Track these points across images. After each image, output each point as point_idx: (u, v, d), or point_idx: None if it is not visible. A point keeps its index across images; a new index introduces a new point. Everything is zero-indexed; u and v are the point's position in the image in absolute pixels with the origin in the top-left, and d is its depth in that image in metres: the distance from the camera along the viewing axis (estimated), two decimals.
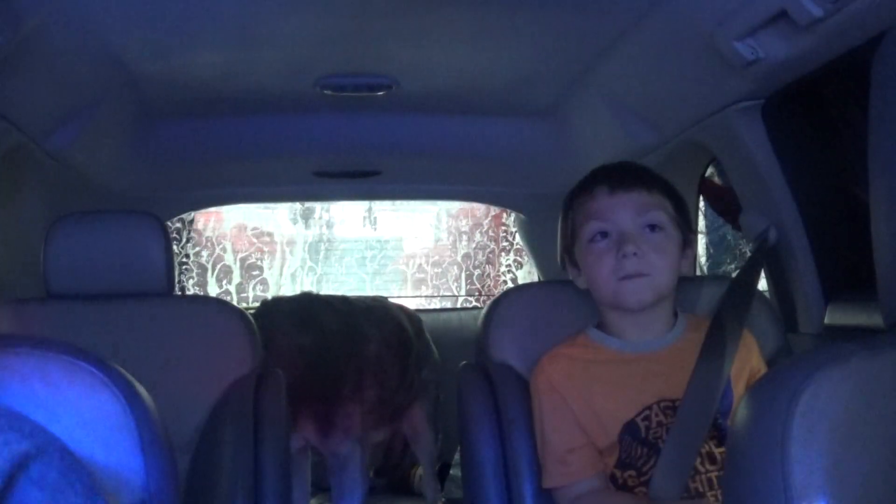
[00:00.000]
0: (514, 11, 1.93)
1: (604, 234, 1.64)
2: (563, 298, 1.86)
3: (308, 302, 3.00)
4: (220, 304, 2.14)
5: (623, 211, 1.63)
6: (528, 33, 2.05)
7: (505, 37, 2.08)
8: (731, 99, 2.05)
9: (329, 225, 7.82)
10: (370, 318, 3.05)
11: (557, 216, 1.93)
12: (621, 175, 1.69)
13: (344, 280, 7.67)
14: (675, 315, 1.70)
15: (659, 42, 1.99)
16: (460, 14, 1.95)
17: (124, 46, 2.06)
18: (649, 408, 1.59)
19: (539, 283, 3.48)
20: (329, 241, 7.86)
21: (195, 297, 3.87)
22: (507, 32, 2.05)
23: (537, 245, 3.62)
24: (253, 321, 2.12)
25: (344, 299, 3.14)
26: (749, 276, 1.85)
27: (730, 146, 2.18)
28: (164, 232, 2.06)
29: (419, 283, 7.77)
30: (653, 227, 1.63)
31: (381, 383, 2.98)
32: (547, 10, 1.92)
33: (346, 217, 7.81)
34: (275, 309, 2.89)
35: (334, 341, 2.87)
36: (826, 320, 2.09)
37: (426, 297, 7.49)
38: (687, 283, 1.76)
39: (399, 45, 2.15)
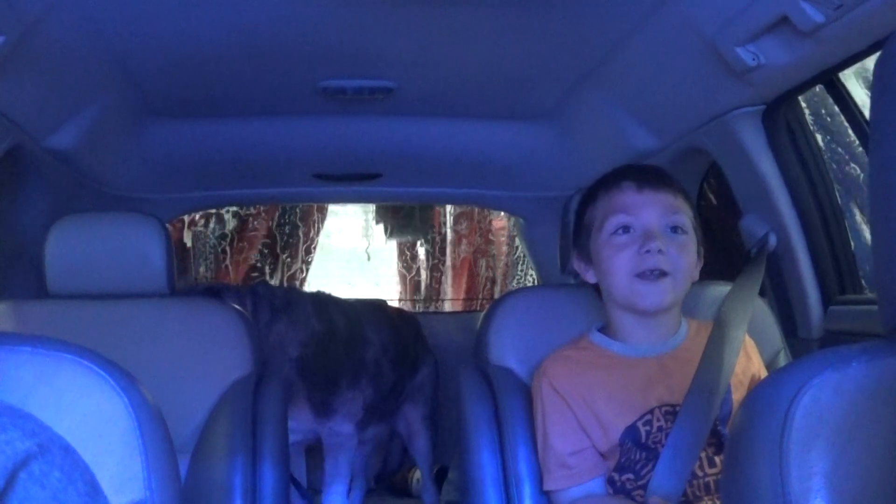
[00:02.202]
0: (516, 16, 1.93)
1: (626, 229, 1.61)
2: (563, 302, 1.87)
3: (324, 296, 3.09)
4: (220, 306, 2.14)
5: (650, 209, 1.62)
6: (530, 38, 2.06)
7: (506, 41, 2.08)
8: (732, 104, 2.05)
9: (327, 235, 7.83)
10: (370, 323, 3.07)
11: (558, 220, 1.93)
12: (649, 175, 1.68)
13: (341, 284, 7.66)
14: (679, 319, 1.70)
15: (661, 47, 2.00)
16: (461, 18, 1.96)
17: (125, 46, 2.06)
18: (651, 412, 1.59)
19: (538, 286, 3.48)
20: (327, 245, 7.86)
21: (195, 298, 3.85)
22: (509, 36, 2.05)
23: (537, 249, 3.62)
24: (248, 316, 2.14)
25: (347, 302, 3.17)
26: (750, 282, 1.85)
27: (730, 151, 2.18)
28: (165, 233, 2.06)
29: (418, 286, 7.75)
30: (675, 229, 1.62)
31: (376, 387, 3.00)
32: (548, 14, 1.92)
33: (343, 227, 7.83)
34: (298, 291, 3.05)
35: (339, 338, 2.91)
36: (825, 325, 2.09)
37: (424, 300, 7.48)
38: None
39: (400, 49, 2.15)
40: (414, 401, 3.25)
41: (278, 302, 2.86)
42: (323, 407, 2.83)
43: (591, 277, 1.70)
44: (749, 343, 1.72)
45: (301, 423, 2.84)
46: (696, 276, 1.69)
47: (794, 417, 0.83)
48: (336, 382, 2.86)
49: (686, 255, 1.61)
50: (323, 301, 3.02)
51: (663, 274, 1.58)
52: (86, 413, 0.99)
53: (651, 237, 1.58)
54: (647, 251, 1.57)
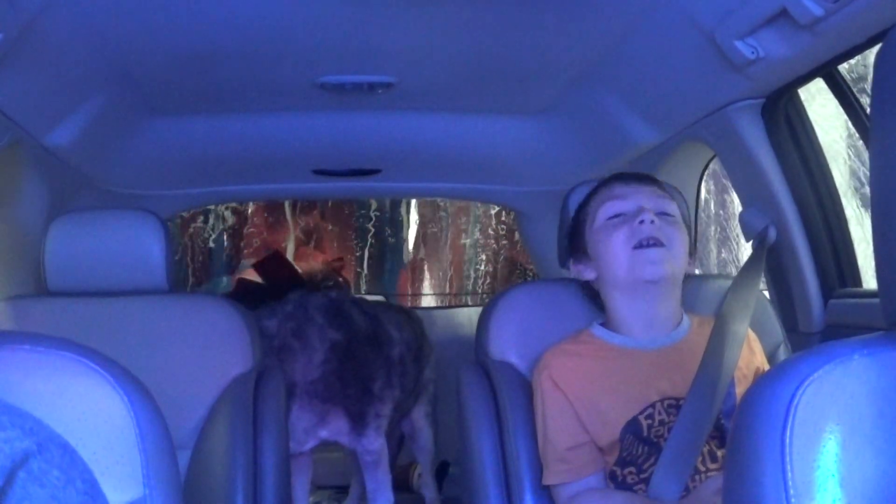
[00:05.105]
0: (516, 10, 1.92)
1: (620, 214, 1.68)
2: (563, 297, 1.87)
3: (339, 298, 3.02)
4: (219, 302, 2.14)
5: (641, 195, 1.69)
6: (529, 32, 2.05)
7: (506, 35, 2.08)
8: (731, 97, 2.05)
9: None
10: (391, 320, 3.06)
11: (558, 214, 1.93)
12: (635, 174, 1.77)
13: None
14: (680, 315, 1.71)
15: (660, 40, 1.99)
16: (461, 12, 1.95)
17: (123, 43, 2.06)
18: (652, 406, 1.59)
19: (538, 281, 3.48)
20: None
21: (195, 294, 3.86)
22: (509, 31, 2.05)
23: (537, 243, 3.62)
24: (253, 317, 2.13)
25: (366, 301, 3.15)
26: (751, 275, 1.86)
27: (730, 144, 2.18)
28: (164, 230, 2.06)
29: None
30: (665, 215, 1.67)
31: (402, 385, 3.00)
32: (547, 9, 1.91)
33: None
34: (307, 303, 2.89)
35: (363, 340, 2.89)
36: (825, 319, 2.09)
37: (423, 295, 7.48)
38: (688, 281, 1.77)
39: (400, 43, 2.15)
40: (419, 398, 3.25)
41: (280, 340, 2.75)
42: (360, 417, 2.82)
43: (590, 273, 1.72)
44: (752, 337, 1.72)
45: (336, 434, 2.83)
46: (692, 269, 1.71)
47: (796, 412, 0.83)
48: (369, 389, 2.84)
49: (679, 235, 1.66)
50: (336, 303, 2.96)
51: (660, 244, 1.61)
52: (84, 411, 0.99)
53: (644, 211, 1.64)
54: (641, 222, 1.62)
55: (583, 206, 1.78)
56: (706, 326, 1.67)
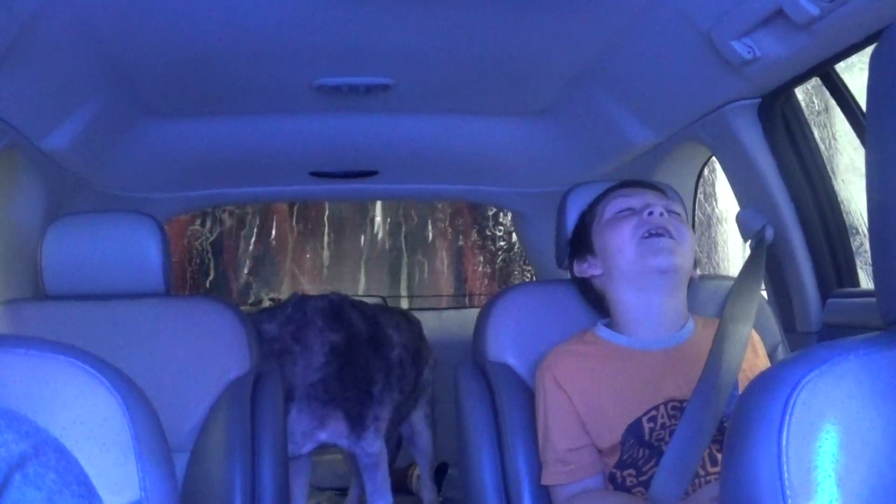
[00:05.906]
0: (512, 12, 1.92)
1: (629, 209, 1.70)
2: (560, 297, 1.86)
3: (338, 300, 3.01)
4: (217, 305, 2.14)
5: (647, 195, 1.71)
6: (527, 33, 2.05)
7: (503, 36, 2.08)
8: (728, 97, 2.05)
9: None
10: (390, 322, 3.05)
11: (555, 215, 1.94)
12: (638, 181, 1.81)
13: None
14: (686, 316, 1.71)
15: (657, 41, 1.99)
16: (458, 14, 1.95)
17: (119, 46, 2.06)
18: (656, 408, 1.58)
19: (536, 282, 3.48)
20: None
21: (193, 297, 3.85)
22: (506, 32, 2.05)
23: (535, 244, 3.62)
24: (250, 320, 2.13)
25: (364, 303, 3.14)
26: (752, 276, 1.85)
27: (727, 144, 2.18)
28: (162, 233, 2.06)
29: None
30: (672, 213, 1.69)
31: (401, 387, 2.99)
32: (544, 10, 1.91)
33: None
34: (306, 304, 2.88)
35: (362, 342, 2.88)
36: (823, 318, 2.09)
37: (420, 296, 7.47)
38: (689, 282, 1.77)
39: (396, 45, 2.15)
40: (418, 400, 3.25)
41: (280, 343, 2.74)
42: (359, 420, 2.81)
43: (596, 269, 1.72)
44: (756, 339, 1.72)
45: (335, 437, 2.82)
46: (696, 275, 1.72)
47: (793, 412, 0.83)
48: (368, 391, 2.83)
49: (687, 233, 1.68)
50: (336, 305, 2.95)
51: (669, 234, 1.63)
52: (80, 414, 0.99)
53: (652, 205, 1.66)
54: (650, 213, 1.64)
55: (588, 208, 1.79)
56: (711, 328, 1.66)
